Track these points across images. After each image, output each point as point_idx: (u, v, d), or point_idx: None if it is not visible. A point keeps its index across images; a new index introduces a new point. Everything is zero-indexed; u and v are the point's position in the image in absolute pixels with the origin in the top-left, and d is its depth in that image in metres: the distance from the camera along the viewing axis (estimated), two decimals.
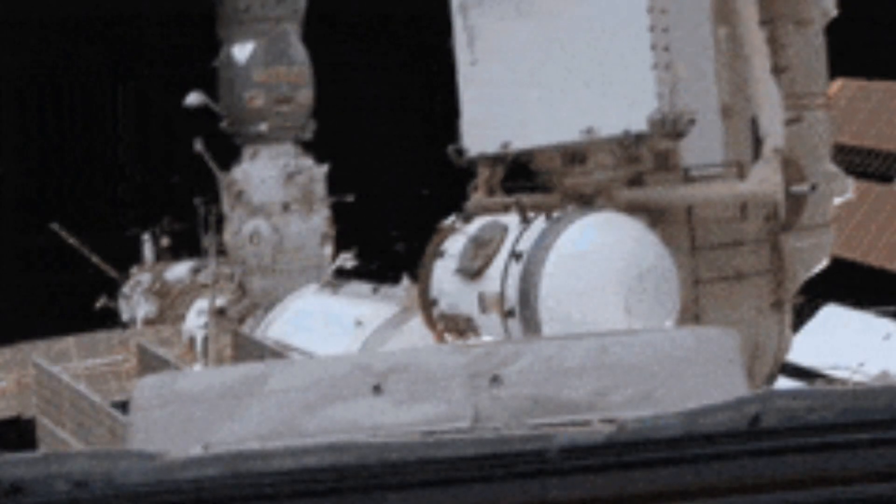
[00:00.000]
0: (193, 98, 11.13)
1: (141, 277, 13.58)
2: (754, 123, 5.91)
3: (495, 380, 2.79)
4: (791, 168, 6.03)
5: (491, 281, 5.76)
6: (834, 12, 6.37)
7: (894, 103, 11.73)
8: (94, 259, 14.67)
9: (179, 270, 13.19)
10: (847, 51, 7.49)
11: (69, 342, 10.37)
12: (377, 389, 2.77)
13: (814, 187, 5.98)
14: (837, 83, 11.91)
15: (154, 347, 9.68)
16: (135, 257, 14.21)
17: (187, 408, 2.77)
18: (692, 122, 5.62)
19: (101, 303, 13.95)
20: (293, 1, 11.35)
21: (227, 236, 11.26)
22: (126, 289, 13.81)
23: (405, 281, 8.25)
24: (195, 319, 11.01)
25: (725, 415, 2.14)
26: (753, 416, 2.12)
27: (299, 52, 11.49)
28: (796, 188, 6.03)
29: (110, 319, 13.54)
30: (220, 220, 11.36)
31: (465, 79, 6.82)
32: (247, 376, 2.84)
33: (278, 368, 2.93)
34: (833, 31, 6.40)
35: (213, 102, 11.29)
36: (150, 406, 2.82)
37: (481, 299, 5.78)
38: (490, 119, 6.63)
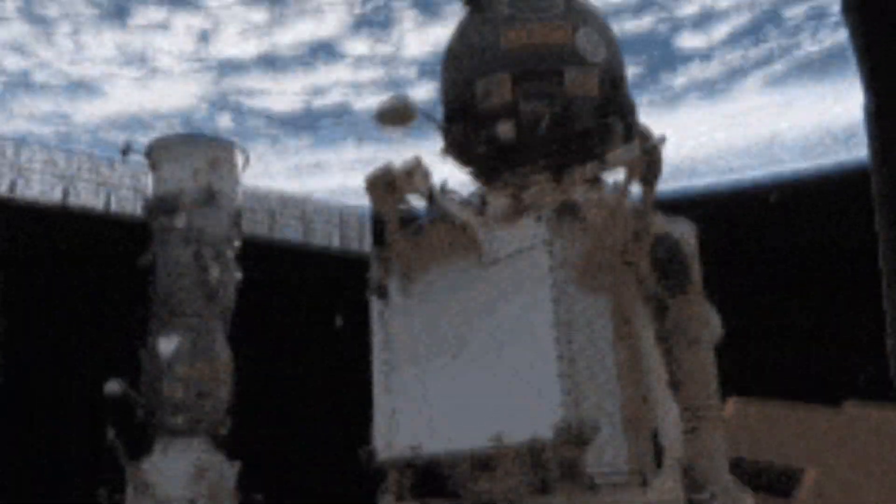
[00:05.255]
0: (112, 386, 11.10)
1: None
2: (655, 434, 6.09)
3: None
4: (691, 477, 6.18)
5: None
6: (720, 332, 6.80)
7: (787, 421, 12.17)
8: None
9: None
10: (740, 369, 7.93)
11: None
12: None
13: (713, 495, 6.09)
14: (731, 401, 12.36)
15: None
16: None
17: None
18: (596, 429, 5.76)
19: None
20: (222, 299, 11.65)
21: None
22: None
23: None
24: None
25: None
26: None
27: (223, 349, 11.65)
28: (696, 497, 6.16)
29: None
30: None
31: (379, 383, 6.99)
32: None
33: None
34: (723, 351, 6.78)
35: (131, 392, 11.24)
36: None
37: None
38: (402, 423, 6.72)
